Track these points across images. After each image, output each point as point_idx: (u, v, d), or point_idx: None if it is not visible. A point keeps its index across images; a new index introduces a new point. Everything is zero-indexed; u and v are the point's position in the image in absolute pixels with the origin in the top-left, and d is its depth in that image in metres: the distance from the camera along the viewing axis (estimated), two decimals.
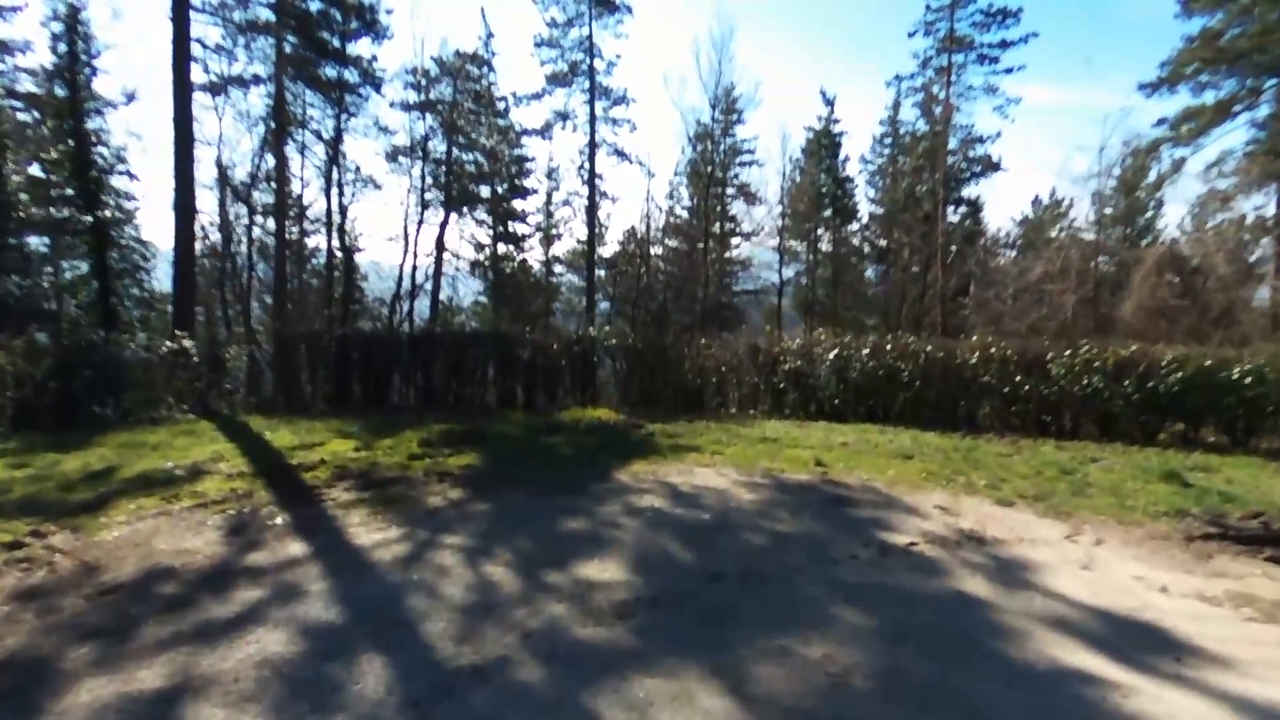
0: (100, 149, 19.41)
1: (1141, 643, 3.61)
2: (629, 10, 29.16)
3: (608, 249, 33.91)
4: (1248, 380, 8.80)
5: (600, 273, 32.84)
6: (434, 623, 3.70)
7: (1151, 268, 15.50)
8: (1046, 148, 55.32)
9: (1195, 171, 18.82)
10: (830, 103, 34.82)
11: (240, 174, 23.68)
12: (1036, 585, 4.33)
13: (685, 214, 35.31)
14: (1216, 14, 17.21)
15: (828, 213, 34.97)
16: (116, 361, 10.67)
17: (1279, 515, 5.61)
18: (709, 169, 32.12)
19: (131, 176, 21.21)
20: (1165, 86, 18.30)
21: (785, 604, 4.00)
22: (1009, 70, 29.76)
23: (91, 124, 19.12)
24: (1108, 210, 20.98)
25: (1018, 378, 10.37)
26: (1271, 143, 15.94)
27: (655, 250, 34.60)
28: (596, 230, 31.26)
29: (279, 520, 5.37)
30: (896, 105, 34.46)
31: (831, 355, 11.73)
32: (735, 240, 35.31)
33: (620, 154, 30.82)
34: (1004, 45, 29.41)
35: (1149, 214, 29.52)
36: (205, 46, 22.07)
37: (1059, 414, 10.35)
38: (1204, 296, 14.97)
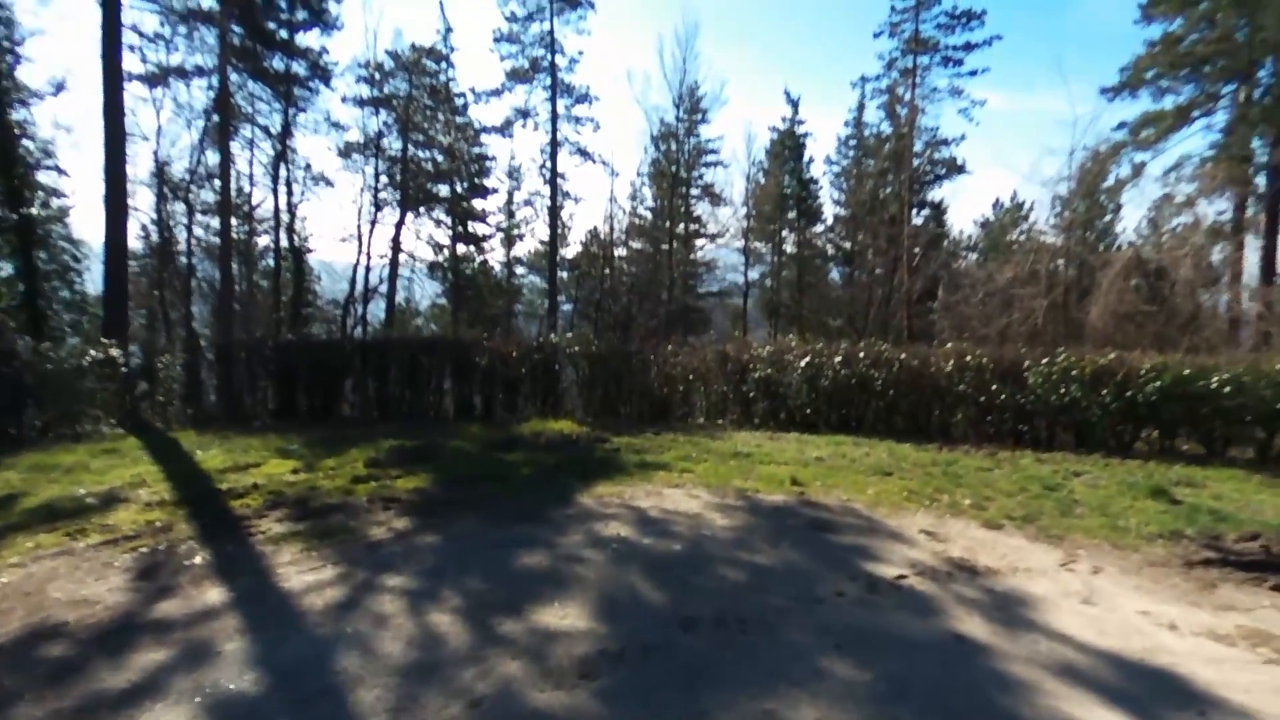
0: (26, 142, 18.18)
1: (1160, 693, 3.27)
2: (591, 6, 28.75)
3: (570, 250, 33.55)
4: (1226, 390, 8.64)
5: (563, 274, 32.31)
6: (367, 689, 3.18)
7: (1119, 272, 15.52)
8: (1009, 151, 56.16)
9: (1155, 176, 19.09)
10: (795, 103, 34.77)
11: (180, 169, 22.64)
12: (1038, 625, 3.97)
13: (649, 215, 34.97)
14: (1176, 20, 17.38)
15: (792, 214, 34.88)
16: (37, 371, 9.81)
17: (1278, 537, 5.36)
18: (673, 169, 31.80)
19: (60, 172, 19.91)
20: (1126, 91, 18.49)
21: (768, 655, 3.55)
22: (973, 73, 30.13)
23: (16, 115, 17.91)
24: (1067, 213, 21.12)
25: (994, 386, 10.12)
26: (1238, 147, 16.12)
27: (619, 252, 34.19)
28: (559, 231, 30.80)
29: (198, 559, 4.77)
30: (861, 107, 34.57)
31: (803, 363, 11.36)
32: (700, 241, 35.13)
33: (583, 153, 30.38)
34: (968, 48, 29.69)
35: (1108, 218, 29.95)
36: (141, 34, 21.06)
37: (1034, 423, 10.13)
38: (1170, 301, 15.03)
